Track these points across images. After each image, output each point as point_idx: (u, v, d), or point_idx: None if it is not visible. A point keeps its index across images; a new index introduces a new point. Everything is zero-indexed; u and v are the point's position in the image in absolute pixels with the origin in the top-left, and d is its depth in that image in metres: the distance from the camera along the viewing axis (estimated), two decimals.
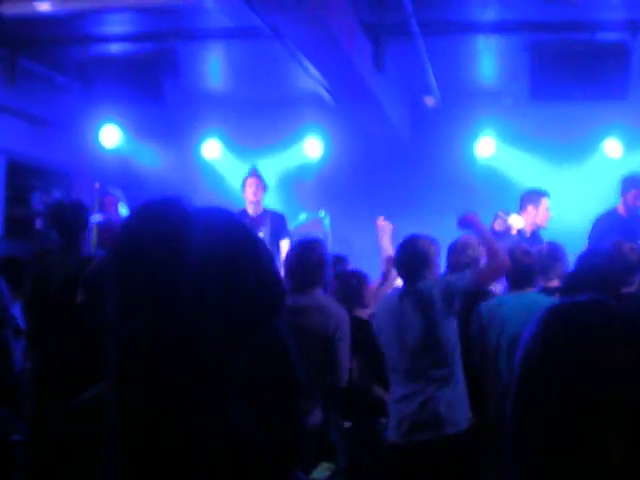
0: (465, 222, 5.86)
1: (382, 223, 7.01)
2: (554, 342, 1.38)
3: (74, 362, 3.23)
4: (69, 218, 5.63)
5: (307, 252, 5.38)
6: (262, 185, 8.84)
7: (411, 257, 5.37)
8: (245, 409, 1.58)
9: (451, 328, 5.22)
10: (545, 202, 8.49)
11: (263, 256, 1.57)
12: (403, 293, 5.38)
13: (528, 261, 5.65)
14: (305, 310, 5.17)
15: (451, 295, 5.17)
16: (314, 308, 5.23)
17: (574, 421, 1.32)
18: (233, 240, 1.54)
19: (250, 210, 8.76)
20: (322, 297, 5.39)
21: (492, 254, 5.42)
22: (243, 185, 8.88)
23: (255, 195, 8.72)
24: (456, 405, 5.14)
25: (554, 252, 6.06)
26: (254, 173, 8.88)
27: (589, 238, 8.27)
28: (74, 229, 5.57)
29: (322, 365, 5.13)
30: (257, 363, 1.74)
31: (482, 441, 5.12)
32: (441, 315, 5.15)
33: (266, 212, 8.84)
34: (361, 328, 5.64)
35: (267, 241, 8.05)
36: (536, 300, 5.37)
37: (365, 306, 6.16)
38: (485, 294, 5.82)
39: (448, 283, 5.29)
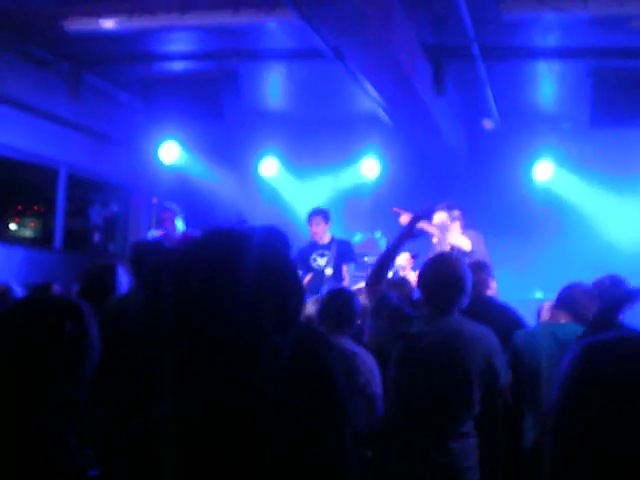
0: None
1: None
2: (591, 376, 1.37)
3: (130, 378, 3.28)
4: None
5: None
6: (323, 222, 9.05)
7: None
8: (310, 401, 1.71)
9: None
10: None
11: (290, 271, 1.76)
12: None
13: (587, 301, 5.37)
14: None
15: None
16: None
17: (613, 455, 1.31)
18: (272, 256, 1.72)
19: (317, 239, 8.98)
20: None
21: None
22: (308, 221, 9.07)
23: (316, 234, 8.99)
24: None
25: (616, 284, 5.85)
26: (316, 212, 9.07)
27: None
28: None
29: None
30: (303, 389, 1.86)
31: (519, 473, 5.01)
32: None
33: (333, 240, 9.03)
34: None
35: (331, 265, 8.77)
36: (574, 332, 5.10)
37: None
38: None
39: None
